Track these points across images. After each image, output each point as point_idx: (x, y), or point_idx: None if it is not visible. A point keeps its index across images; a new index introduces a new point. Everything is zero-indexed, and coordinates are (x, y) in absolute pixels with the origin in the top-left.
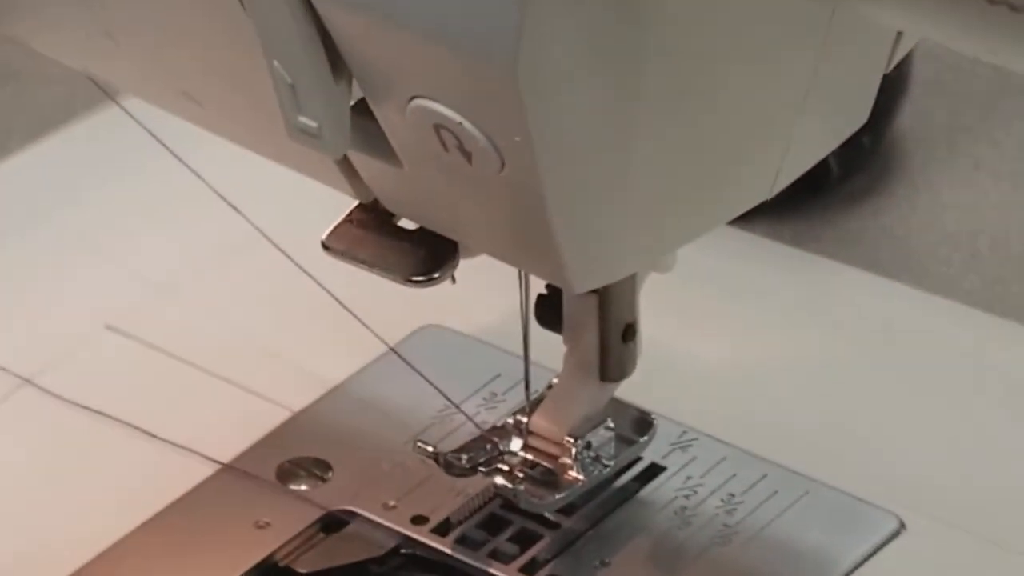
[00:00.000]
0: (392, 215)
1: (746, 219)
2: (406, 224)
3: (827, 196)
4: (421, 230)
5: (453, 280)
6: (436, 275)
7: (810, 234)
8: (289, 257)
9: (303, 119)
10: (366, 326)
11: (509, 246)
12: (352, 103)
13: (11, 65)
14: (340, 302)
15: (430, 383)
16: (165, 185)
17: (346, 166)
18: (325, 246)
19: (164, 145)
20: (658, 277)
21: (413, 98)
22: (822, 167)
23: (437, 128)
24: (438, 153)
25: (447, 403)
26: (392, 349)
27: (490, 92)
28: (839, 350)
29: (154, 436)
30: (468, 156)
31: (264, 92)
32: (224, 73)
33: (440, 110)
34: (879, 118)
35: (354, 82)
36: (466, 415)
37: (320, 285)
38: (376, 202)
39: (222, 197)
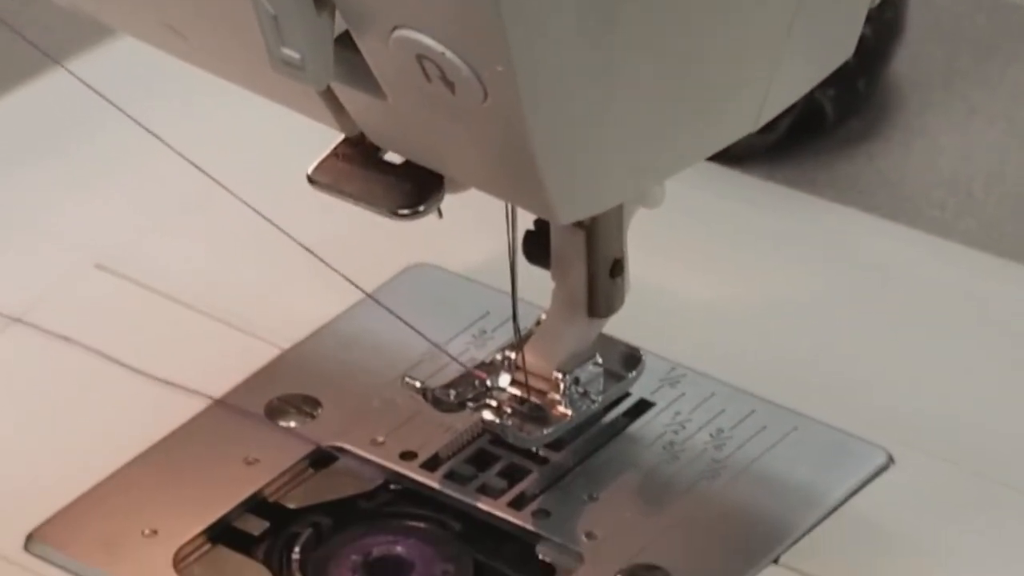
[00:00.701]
0: (378, 149)
1: (740, 163)
2: (392, 158)
3: (822, 140)
4: (407, 163)
5: (440, 214)
6: (422, 208)
7: (805, 178)
8: (253, 208)
9: (286, 51)
10: (339, 272)
11: (494, 177)
12: (336, 36)
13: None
14: (311, 251)
15: (408, 324)
16: (154, 127)
17: (330, 99)
18: (311, 179)
19: (113, 104)
20: (649, 215)
21: (395, 28)
22: (817, 111)
23: (420, 58)
24: (421, 84)
25: (436, 340)
26: (369, 295)
27: (472, 21)
28: (830, 287)
29: (144, 373)
30: (451, 87)
31: (247, 24)
32: (207, 5)
33: (423, 40)
34: (874, 62)
35: (337, 14)
36: (449, 354)
37: (288, 234)
38: (362, 136)
39: (179, 153)
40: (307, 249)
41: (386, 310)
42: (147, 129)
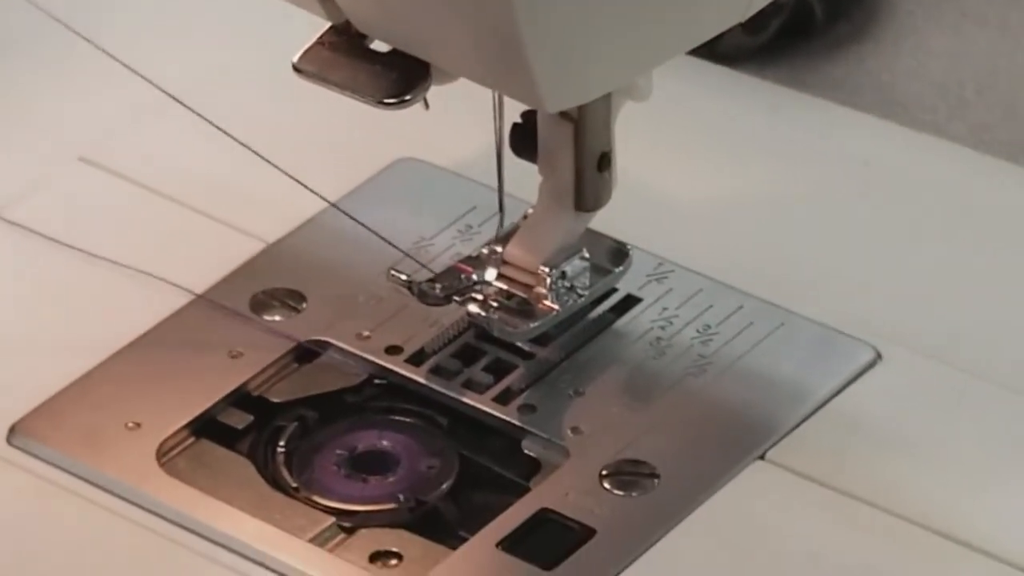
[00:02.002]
0: (364, 37)
1: (730, 63)
2: (378, 46)
3: (812, 42)
4: (393, 52)
5: (426, 105)
6: (408, 97)
7: (795, 79)
8: (205, 118)
9: None
10: (303, 184)
11: (482, 65)
12: None
13: None
14: (273, 163)
15: (376, 234)
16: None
17: None
18: (296, 68)
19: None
20: (639, 112)
21: None
22: (807, 12)
23: None
24: None
25: (422, 235)
26: (333, 204)
27: None
28: (820, 185)
29: (127, 266)
30: None
31: None
32: None
33: None
34: None
35: None
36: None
37: (249, 148)
38: (348, 24)
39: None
40: (270, 162)
41: (353, 219)
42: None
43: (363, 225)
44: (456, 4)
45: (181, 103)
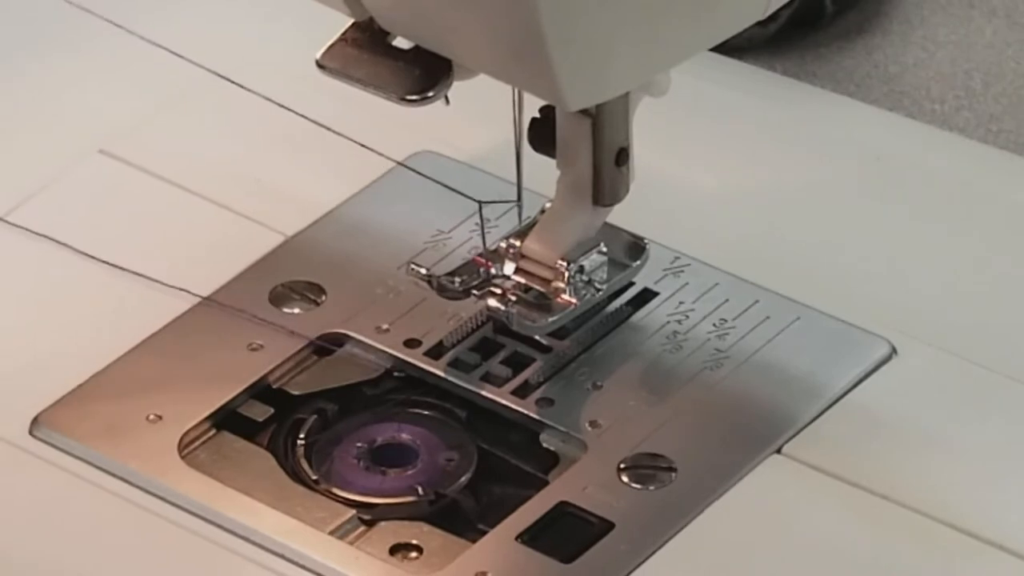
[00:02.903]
0: (387, 34)
1: (740, 55)
2: (400, 43)
3: (821, 33)
4: (415, 49)
5: (447, 101)
6: (430, 94)
7: (804, 70)
8: (256, 93)
9: None
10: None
11: (504, 63)
12: None
13: None
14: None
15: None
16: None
17: None
18: (320, 65)
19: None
20: (653, 105)
21: None
22: (816, 3)
23: None
24: None
25: (440, 229)
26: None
27: None
28: (834, 178)
29: (148, 258)
30: None
31: None
32: None
33: None
34: None
35: None
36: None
37: (304, 116)
38: (371, 20)
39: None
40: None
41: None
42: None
43: (435, 181)
44: (479, 3)
45: (231, 80)
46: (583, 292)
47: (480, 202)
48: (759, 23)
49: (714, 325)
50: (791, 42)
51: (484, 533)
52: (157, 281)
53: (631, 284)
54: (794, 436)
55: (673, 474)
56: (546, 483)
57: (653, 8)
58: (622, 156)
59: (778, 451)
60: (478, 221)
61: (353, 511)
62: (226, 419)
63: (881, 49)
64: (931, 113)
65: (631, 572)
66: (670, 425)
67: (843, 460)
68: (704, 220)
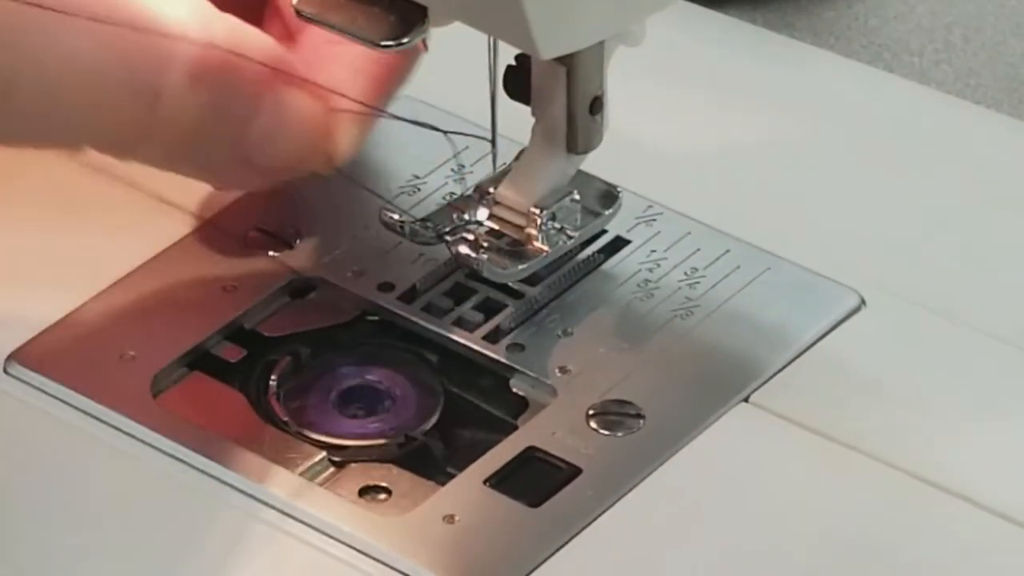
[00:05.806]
0: None
1: (721, 7)
2: None
3: None
4: None
5: (425, 47)
6: (405, 40)
7: (782, 22)
8: (246, 56)
9: None
10: (386, 113)
11: (477, 10)
12: None
13: None
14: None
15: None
16: None
17: None
18: (296, 10)
19: None
20: (629, 54)
21: None
22: None
23: None
24: None
25: (415, 174)
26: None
27: None
28: (807, 130)
29: (125, 196)
30: None
31: None
32: None
33: None
34: None
35: None
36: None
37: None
38: None
39: None
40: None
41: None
42: None
43: (407, 120)
44: None
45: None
46: (555, 239)
47: (445, 131)
48: None
49: (685, 274)
50: None
51: (453, 476)
52: (144, 206)
53: (603, 232)
54: (762, 385)
55: (641, 421)
56: (515, 428)
57: None
58: (596, 104)
59: (746, 400)
60: (454, 167)
61: (323, 453)
62: (199, 359)
63: (862, 1)
64: (909, 66)
65: (598, 517)
66: (639, 372)
67: (810, 410)
68: (677, 169)
